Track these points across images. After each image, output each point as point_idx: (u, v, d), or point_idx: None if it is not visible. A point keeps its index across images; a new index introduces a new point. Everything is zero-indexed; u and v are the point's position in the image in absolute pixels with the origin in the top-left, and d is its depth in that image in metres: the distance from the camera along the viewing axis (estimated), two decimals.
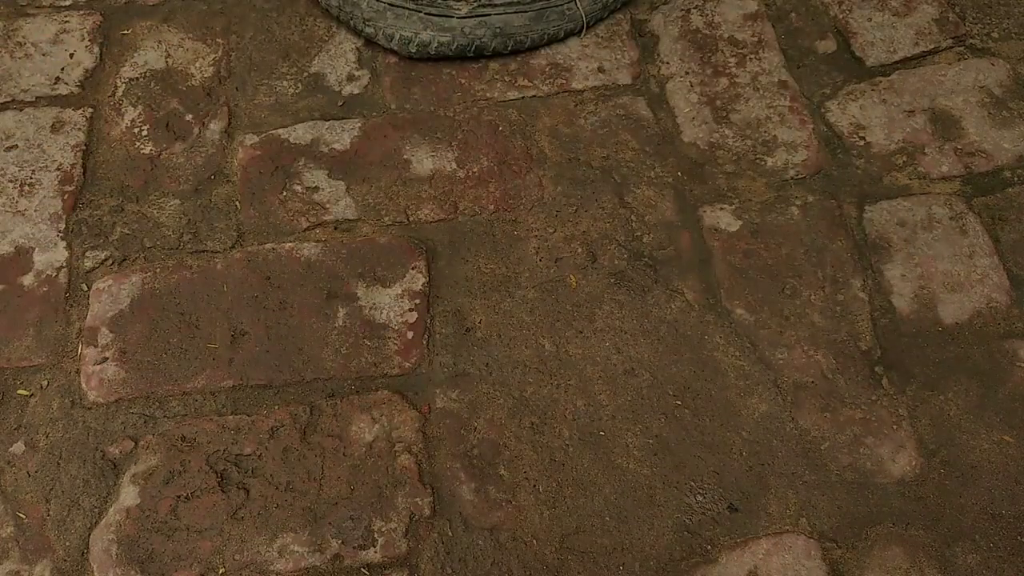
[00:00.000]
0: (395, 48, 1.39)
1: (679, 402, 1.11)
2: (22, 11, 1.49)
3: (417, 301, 1.19)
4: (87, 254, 1.23)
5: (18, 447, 1.08)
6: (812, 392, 1.12)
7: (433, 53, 1.38)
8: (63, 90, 1.39)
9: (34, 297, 1.19)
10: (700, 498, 1.05)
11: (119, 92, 1.39)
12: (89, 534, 1.03)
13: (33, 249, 1.23)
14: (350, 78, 1.41)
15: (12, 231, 1.25)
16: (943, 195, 1.27)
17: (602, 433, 1.09)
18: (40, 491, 1.06)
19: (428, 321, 1.17)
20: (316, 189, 1.29)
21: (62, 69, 1.42)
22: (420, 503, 1.04)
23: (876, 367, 1.13)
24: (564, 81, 1.40)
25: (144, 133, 1.35)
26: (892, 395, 1.11)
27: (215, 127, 1.35)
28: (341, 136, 1.34)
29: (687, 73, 1.41)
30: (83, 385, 1.12)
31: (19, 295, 1.20)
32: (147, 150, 1.33)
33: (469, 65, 1.42)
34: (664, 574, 1.00)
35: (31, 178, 1.30)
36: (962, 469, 1.06)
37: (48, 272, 1.22)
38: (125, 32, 1.46)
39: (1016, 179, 1.29)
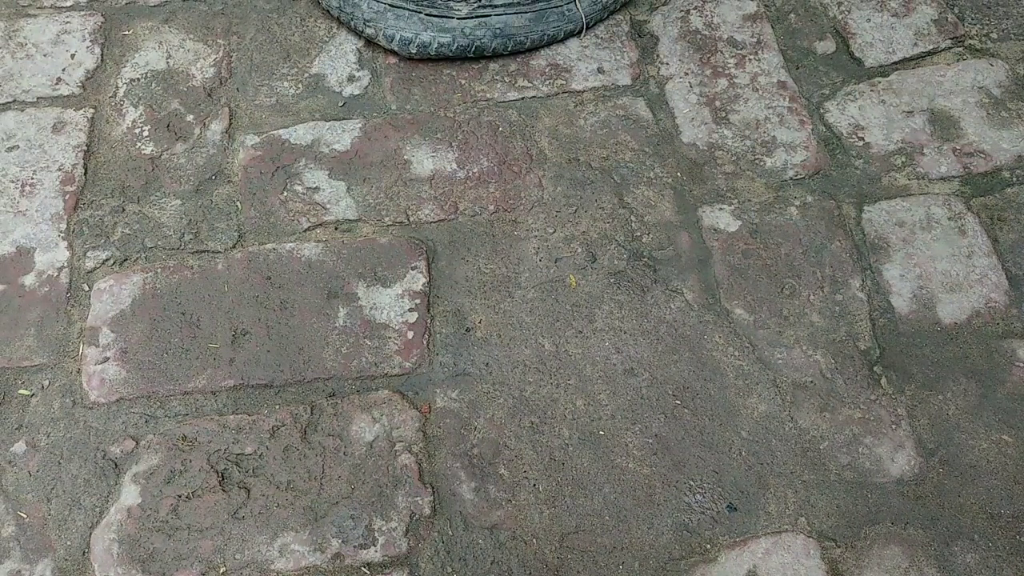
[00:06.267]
0: (395, 49, 1.40)
1: (678, 402, 1.11)
2: (23, 11, 1.49)
3: (417, 301, 1.19)
4: (88, 254, 1.23)
5: (19, 447, 1.09)
6: (811, 392, 1.12)
7: (433, 54, 1.39)
8: (64, 91, 1.40)
9: (35, 297, 1.20)
10: (699, 497, 1.05)
11: (120, 93, 1.40)
12: (90, 533, 1.03)
13: (34, 249, 1.24)
14: (351, 79, 1.41)
15: (13, 231, 1.25)
16: (942, 195, 1.28)
17: (602, 433, 1.09)
18: (41, 490, 1.06)
19: (428, 321, 1.18)
20: (317, 189, 1.29)
21: (63, 70, 1.42)
22: (420, 502, 1.05)
23: (875, 367, 1.14)
24: (564, 82, 1.40)
25: (145, 134, 1.35)
26: (891, 395, 1.12)
27: (216, 128, 1.36)
28: (342, 137, 1.34)
29: (686, 74, 1.41)
30: (84, 385, 1.13)
31: (20, 295, 1.20)
32: (148, 150, 1.33)
33: (469, 66, 1.42)
34: (663, 573, 1.00)
35: (32, 178, 1.30)
36: (961, 469, 1.06)
37: (49, 272, 1.22)
38: (126, 33, 1.47)
39: (1015, 179, 1.29)
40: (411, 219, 1.27)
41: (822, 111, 1.37)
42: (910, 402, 1.11)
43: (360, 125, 1.36)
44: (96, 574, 1.00)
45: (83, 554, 1.02)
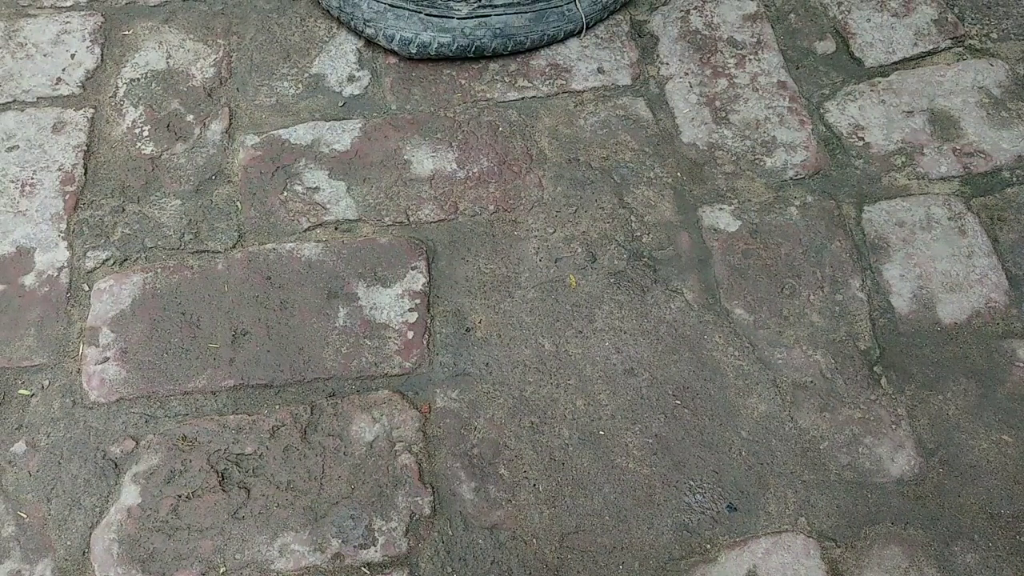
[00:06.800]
0: (395, 49, 1.40)
1: (678, 402, 1.11)
2: (23, 11, 1.49)
3: (417, 301, 1.19)
4: (88, 254, 1.23)
5: (19, 447, 1.09)
6: (811, 392, 1.12)
7: (433, 54, 1.39)
8: (64, 91, 1.40)
9: (35, 297, 1.20)
10: (699, 497, 1.05)
11: (120, 93, 1.40)
12: (90, 533, 1.03)
13: (34, 249, 1.24)
14: (351, 79, 1.41)
15: (13, 231, 1.25)
16: (942, 195, 1.28)
17: (602, 433, 1.09)
18: (41, 490, 1.06)
19: (428, 321, 1.18)
20: (317, 189, 1.29)
21: (63, 70, 1.42)
22: (420, 502, 1.05)
23: (875, 367, 1.14)
24: (564, 82, 1.40)
25: (145, 133, 1.35)
26: (891, 395, 1.12)
27: (216, 128, 1.36)
28: (342, 137, 1.34)
29: (686, 74, 1.41)
30: (84, 385, 1.13)
31: (20, 295, 1.20)
32: (148, 150, 1.33)
33: (469, 66, 1.42)
34: (663, 573, 1.00)
35: (32, 178, 1.30)
36: (961, 468, 1.06)
37: (49, 272, 1.22)
38: (126, 33, 1.47)
39: (1015, 179, 1.29)
40: (411, 219, 1.27)
41: (822, 111, 1.37)
42: (910, 402, 1.11)
43: (360, 125, 1.36)
44: (96, 574, 1.00)
45: (83, 554, 1.02)
